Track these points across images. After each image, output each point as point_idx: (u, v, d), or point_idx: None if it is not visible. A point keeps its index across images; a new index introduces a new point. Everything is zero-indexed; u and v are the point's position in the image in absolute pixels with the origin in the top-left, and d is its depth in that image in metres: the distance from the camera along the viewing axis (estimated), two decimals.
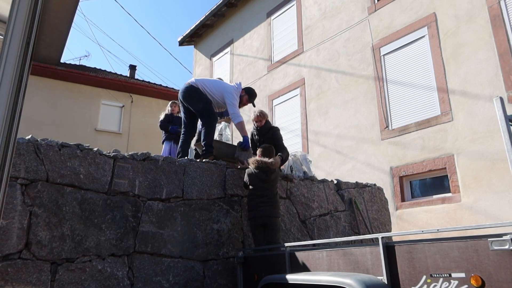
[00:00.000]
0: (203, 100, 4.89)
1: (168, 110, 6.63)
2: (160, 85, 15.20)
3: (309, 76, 9.11)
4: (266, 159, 4.32)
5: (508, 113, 2.96)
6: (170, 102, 6.77)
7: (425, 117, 6.69)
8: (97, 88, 13.85)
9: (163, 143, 6.39)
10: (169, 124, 6.35)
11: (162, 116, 6.50)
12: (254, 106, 5.31)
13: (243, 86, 5.34)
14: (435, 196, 6.43)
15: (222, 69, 12.23)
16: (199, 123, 5.98)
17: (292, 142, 9.03)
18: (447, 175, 6.29)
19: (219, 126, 6.00)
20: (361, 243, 4.24)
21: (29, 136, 3.51)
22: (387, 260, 2.50)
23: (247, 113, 10.03)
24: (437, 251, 2.25)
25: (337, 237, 5.04)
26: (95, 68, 14.98)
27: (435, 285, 2.22)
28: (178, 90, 16.06)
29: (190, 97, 4.93)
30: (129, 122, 14.15)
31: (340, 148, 8.00)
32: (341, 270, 2.81)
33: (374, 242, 2.78)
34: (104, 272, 3.48)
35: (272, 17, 10.71)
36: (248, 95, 5.19)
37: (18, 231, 3.18)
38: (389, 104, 7.29)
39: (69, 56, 39.21)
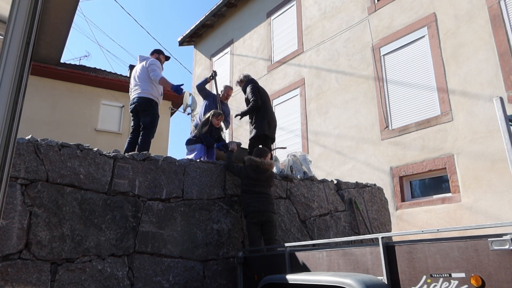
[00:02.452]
0: (153, 115, 5.09)
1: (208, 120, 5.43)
2: None
3: (309, 76, 9.11)
4: (257, 159, 4.43)
5: (508, 113, 2.96)
6: (213, 114, 5.39)
7: (425, 117, 6.68)
8: (97, 88, 13.83)
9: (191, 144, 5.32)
10: (211, 138, 5.23)
11: (203, 128, 5.25)
12: (168, 58, 5.85)
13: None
14: (435, 196, 6.43)
15: (222, 69, 12.23)
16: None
17: (292, 142, 9.03)
18: (447, 175, 6.29)
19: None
20: (361, 243, 4.24)
21: (29, 136, 3.51)
22: (387, 260, 2.50)
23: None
24: (437, 251, 2.25)
25: (337, 237, 5.04)
26: (95, 68, 14.95)
27: (435, 285, 2.22)
28: None
29: (145, 109, 5.09)
30: (129, 122, 14.12)
31: (340, 148, 8.00)
32: (341, 270, 2.81)
33: (374, 242, 2.78)
34: (104, 272, 3.48)
35: (272, 17, 10.71)
36: (159, 53, 5.61)
37: (18, 231, 3.18)
38: (389, 104, 7.29)
39: (69, 56, 39.19)
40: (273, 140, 5.61)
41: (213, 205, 4.28)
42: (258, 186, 4.31)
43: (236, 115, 5.66)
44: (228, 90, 6.28)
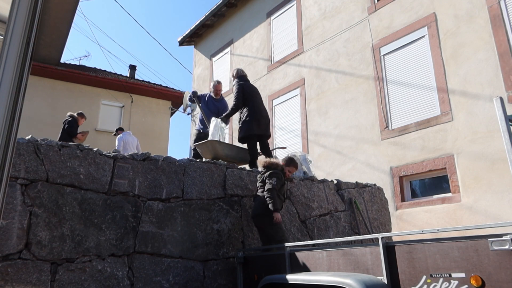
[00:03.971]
0: None
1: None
2: (160, 85, 15.19)
3: (309, 76, 9.11)
4: (263, 159, 4.47)
5: (508, 113, 2.96)
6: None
7: (425, 117, 6.68)
8: (97, 88, 13.84)
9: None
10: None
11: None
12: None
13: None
14: (435, 196, 6.42)
15: (222, 69, 12.23)
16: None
17: (292, 142, 9.03)
18: (447, 175, 6.29)
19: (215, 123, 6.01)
20: (361, 243, 4.24)
21: (29, 136, 3.51)
22: (387, 260, 2.50)
23: None
24: (437, 251, 2.25)
25: (337, 237, 5.04)
26: (95, 68, 14.96)
27: (435, 285, 2.22)
28: (178, 90, 15.97)
29: None
30: (129, 122, 14.14)
31: (340, 148, 8.00)
32: (341, 270, 2.81)
33: (374, 242, 2.78)
34: (104, 272, 3.48)
35: (272, 17, 10.71)
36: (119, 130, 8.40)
37: (18, 231, 3.18)
38: (389, 104, 7.29)
39: (69, 56, 39.24)
40: (268, 136, 5.55)
41: (213, 205, 4.28)
42: (258, 188, 4.32)
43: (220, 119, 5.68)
44: (216, 86, 6.39)
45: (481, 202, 5.73)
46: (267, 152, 5.47)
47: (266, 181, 4.17)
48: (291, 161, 4.55)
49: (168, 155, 5.83)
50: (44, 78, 12.71)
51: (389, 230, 5.85)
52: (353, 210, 5.44)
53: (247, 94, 5.50)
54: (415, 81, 6.96)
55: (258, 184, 4.34)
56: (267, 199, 4.03)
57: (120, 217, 3.68)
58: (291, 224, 4.79)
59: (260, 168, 4.46)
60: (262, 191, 4.18)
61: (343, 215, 5.35)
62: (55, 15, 1.91)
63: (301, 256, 3.20)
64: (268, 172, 4.23)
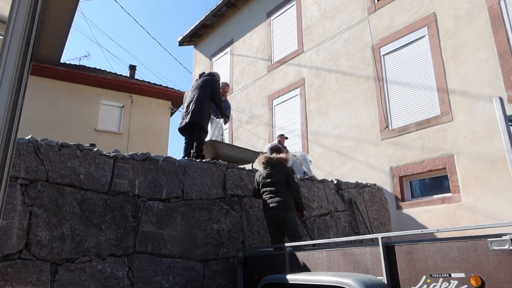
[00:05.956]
0: None
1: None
2: (160, 85, 15.20)
3: (309, 76, 9.11)
4: (271, 155, 4.55)
5: (508, 113, 2.96)
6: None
7: (425, 117, 6.68)
8: (97, 88, 13.85)
9: None
10: None
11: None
12: None
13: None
14: (435, 196, 6.42)
15: (222, 69, 12.23)
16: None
17: (292, 142, 9.02)
18: (447, 175, 6.29)
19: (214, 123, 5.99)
20: (361, 243, 4.24)
21: (29, 136, 3.51)
22: (387, 260, 2.50)
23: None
24: (437, 251, 2.25)
25: (337, 237, 5.04)
26: (95, 68, 14.96)
27: (435, 285, 2.22)
28: (178, 90, 16.02)
29: None
30: (129, 122, 14.15)
31: (340, 148, 8.00)
32: (341, 270, 2.81)
33: (374, 242, 2.78)
34: (104, 272, 3.48)
35: (272, 17, 10.71)
36: None
37: (18, 231, 3.18)
38: (389, 104, 7.29)
39: (69, 56, 39.26)
40: (196, 125, 5.14)
41: (213, 205, 4.28)
42: (268, 184, 4.34)
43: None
44: (224, 88, 6.37)
45: (481, 202, 5.73)
46: (196, 144, 5.15)
47: (290, 179, 4.32)
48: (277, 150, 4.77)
49: (168, 155, 5.83)
50: (44, 78, 12.71)
51: (389, 230, 5.85)
52: (353, 210, 5.44)
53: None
54: (415, 81, 6.96)
55: (269, 180, 4.33)
56: (298, 199, 4.27)
57: (120, 217, 3.68)
58: None
59: (261, 164, 4.51)
60: (279, 187, 4.26)
61: (343, 215, 5.35)
62: (55, 15, 1.91)
63: (301, 256, 3.20)
64: (290, 169, 4.42)
